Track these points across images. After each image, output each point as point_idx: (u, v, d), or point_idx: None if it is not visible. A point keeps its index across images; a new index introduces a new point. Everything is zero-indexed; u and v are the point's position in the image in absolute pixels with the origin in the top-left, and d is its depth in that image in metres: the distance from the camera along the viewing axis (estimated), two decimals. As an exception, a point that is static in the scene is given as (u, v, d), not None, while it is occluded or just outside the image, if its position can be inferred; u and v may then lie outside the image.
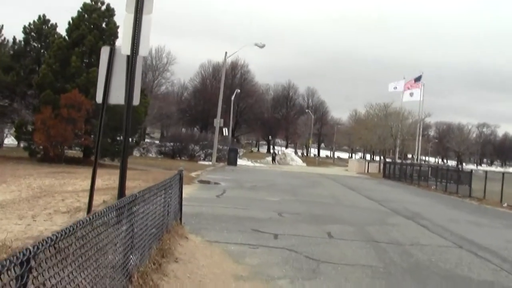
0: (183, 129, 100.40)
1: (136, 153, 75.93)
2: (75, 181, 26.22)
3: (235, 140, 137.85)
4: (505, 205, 31.70)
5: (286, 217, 18.66)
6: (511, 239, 17.78)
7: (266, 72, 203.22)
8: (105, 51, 12.85)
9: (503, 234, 19.23)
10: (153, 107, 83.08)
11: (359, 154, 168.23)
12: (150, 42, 12.16)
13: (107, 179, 27.76)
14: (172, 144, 76.53)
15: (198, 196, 24.05)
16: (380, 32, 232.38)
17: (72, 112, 39.28)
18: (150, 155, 76.28)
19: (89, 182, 26.30)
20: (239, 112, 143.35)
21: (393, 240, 15.08)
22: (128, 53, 11.49)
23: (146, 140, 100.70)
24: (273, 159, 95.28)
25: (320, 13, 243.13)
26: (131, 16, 11.65)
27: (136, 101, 12.55)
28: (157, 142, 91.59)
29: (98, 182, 25.89)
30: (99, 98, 12.71)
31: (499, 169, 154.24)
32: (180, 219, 13.67)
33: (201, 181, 33.49)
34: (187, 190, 25.89)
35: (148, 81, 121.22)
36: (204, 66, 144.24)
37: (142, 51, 11.72)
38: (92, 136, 42.63)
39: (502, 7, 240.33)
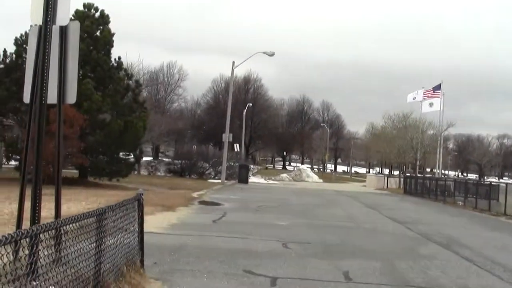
0: (194, 146, 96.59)
1: (144, 171, 72.58)
2: (51, 205, 22.45)
3: (250, 156, 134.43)
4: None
5: (292, 248, 14.83)
6: None
7: (280, 87, 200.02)
8: (34, 33, 9.08)
9: None
10: (160, 123, 79.78)
11: (377, 169, 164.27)
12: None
13: (93, 201, 24.10)
14: (180, 162, 72.73)
15: (191, 221, 20.30)
16: (396, 42, 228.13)
17: (64, 128, 35.66)
18: (159, 173, 72.79)
19: (71, 204, 22.82)
20: (253, 128, 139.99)
21: (433, 283, 11.32)
22: (40, 22, 7.88)
23: (161, 158, 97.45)
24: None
25: (333, 26, 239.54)
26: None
27: (70, 98, 9.01)
28: (166, 160, 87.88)
29: (81, 205, 22.37)
30: (26, 98, 8.96)
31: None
32: (141, 261, 9.94)
33: (202, 202, 29.69)
34: (180, 214, 22.33)
35: (160, 97, 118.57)
36: (216, 81, 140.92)
37: (61, 19, 8.13)
38: (88, 155, 39.07)
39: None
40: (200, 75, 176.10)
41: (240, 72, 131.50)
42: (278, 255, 13.60)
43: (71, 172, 43.51)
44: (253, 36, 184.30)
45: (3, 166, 56.98)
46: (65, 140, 36.10)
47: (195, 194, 34.66)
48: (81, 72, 39.52)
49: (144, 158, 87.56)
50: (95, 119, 38.08)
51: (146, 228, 17.01)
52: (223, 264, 11.99)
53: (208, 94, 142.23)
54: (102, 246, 7.45)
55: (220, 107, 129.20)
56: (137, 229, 9.73)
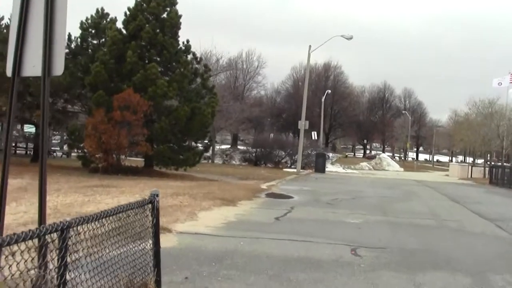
0: (271, 134, 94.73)
1: (218, 160, 70.98)
2: (104, 198, 20.54)
3: (330, 145, 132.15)
4: None
5: (363, 256, 12.25)
6: None
7: (361, 74, 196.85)
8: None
9: None
10: (236, 110, 78.24)
11: (460, 157, 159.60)
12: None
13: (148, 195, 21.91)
14: (255, 150, 70.66)
15: (251, 218, 17.97)
16: (479, 28, 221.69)
17: (127, 115, 33.87)
18: (234, 162, 71.01)
19: (122, 198, 20.83)
20: (333, 116, 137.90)
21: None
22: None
23: (239, 146, 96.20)
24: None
25: (413, 14, 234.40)
26: None
27: (58, 69, 6.88)
28: (241, 148, 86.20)
29: (133, 198, 20.35)
30: (9, 70, 6.84)
31: None
32: (157, 282, 7.63)
33: (269, 195, 27.26)
34: (241, 209, 20.07)
35: (239, 85, 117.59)
36: (295, 68, 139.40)
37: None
38: (154, 143, 37.32)
39: None
40: (280, 62, 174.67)
41: (320, 59, 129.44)
42: (344, 266, 11.11)
43: (137, 161, 41.89)
44: (334, 25, 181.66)
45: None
46: (128, 128, 34.51)
47: (264, 185, 32.49)
48: (147, 55, 37.83)
49: (222, 146, 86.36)
50: (160, 105, 36.21)
51: (195, 227, 14.86)
52: (273, 280, 9.62)
53: (288, 81, 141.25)
54: (67, 274, 5.19)
55: (300, 94, 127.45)
56: (150, 241, 7.43)
